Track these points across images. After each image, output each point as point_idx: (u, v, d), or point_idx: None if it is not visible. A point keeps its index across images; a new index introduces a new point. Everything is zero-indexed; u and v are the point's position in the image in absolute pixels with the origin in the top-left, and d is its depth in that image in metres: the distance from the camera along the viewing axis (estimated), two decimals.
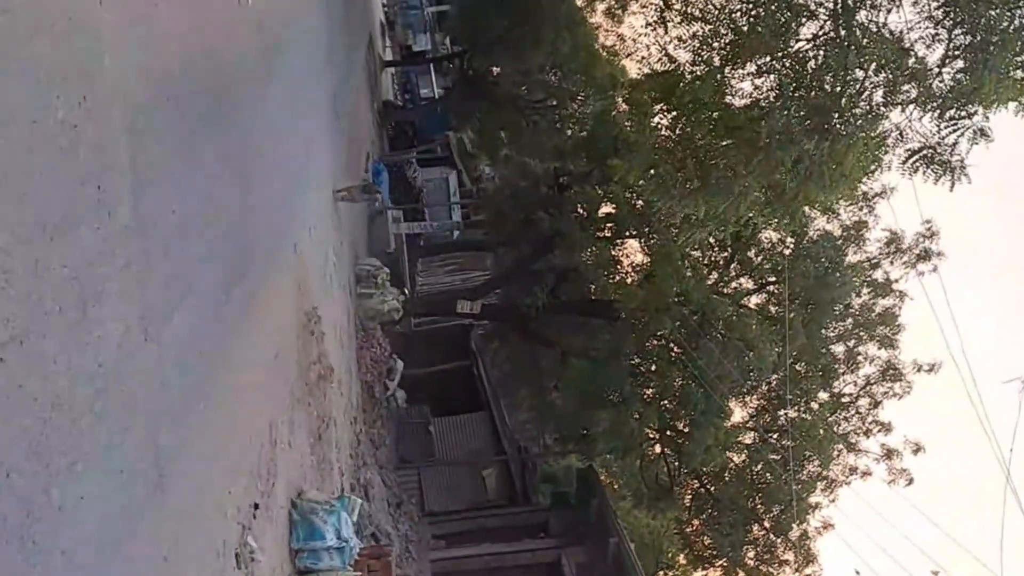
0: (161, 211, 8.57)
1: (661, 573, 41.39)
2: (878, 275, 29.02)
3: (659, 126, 19.90)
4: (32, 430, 5.85)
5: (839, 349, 29.67)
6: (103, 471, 6.94)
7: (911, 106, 15.37)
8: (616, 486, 40.82)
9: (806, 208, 17.35)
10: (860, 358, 29.71)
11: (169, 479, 8.42)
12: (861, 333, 29.31)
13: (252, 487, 12.27)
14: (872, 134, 15.46)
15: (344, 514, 15.61)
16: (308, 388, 17.24)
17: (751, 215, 18.26)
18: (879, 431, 29.66)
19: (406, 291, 34.54)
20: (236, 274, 11.41)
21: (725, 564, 32.18)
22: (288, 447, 14.90)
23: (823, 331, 29.05)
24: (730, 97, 17.21)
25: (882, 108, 15.48)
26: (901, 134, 15.84)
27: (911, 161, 15.91)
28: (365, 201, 18.55)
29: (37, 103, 6.20)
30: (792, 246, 27.60)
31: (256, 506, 12.32)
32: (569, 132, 40.32)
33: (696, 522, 33.15)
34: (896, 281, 28.84)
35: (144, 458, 7.85)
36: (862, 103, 15.43)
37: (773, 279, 29.36)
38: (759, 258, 29.53)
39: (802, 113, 15.52)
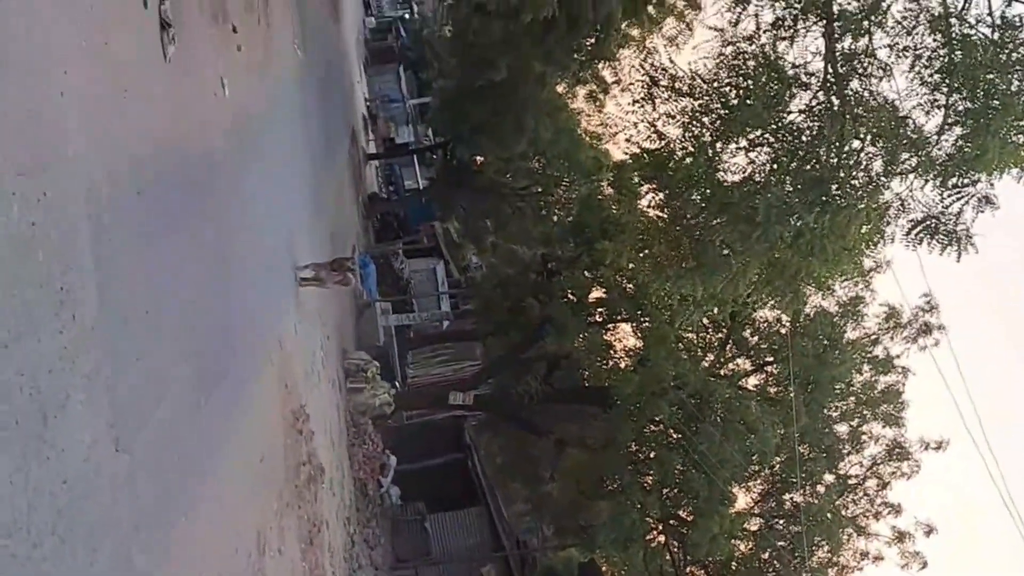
0: (132, 311, 8.04)
1: None
2: (879, 351, 28.58)
3: (649, 206, 19.56)
4: None
5: (842, 429, 29.16)
6: None
7: (912, 175, 14.99)
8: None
9: (808, 284, 16.89)
10: (865, 437, 29.18)
11: None
12: (864, 411, 28.80)
13: None
14: (873, 205, 15.05)
15: None
16: (297, 491, 16.60)
17: (751, 293, 17.82)
18: (889, 513, 29.06)
19: (397, 384, 34.00)
20: (216, 374, 10.84)
21: None
22: (278, 555, 14.25)
23: (825, 411, 28.56)
24: (723, 173, 16.84)
25: (882, 178, 15.10)
26: (903, 204, 15.46)
27: (915, 232, 15.51)
28: (336, 283, 18.06)
29: None
30: (789, 325, 27.16)
31: None
32: (555, 218, 40.15)
33: None
34: (897, 357, 28.40)
35: None
36: (861, 173, 15.06)
37: (771, 359, 28.95)
38: (755, 338, 29.11)
39: (800, 186, 15.14)
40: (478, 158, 43.27)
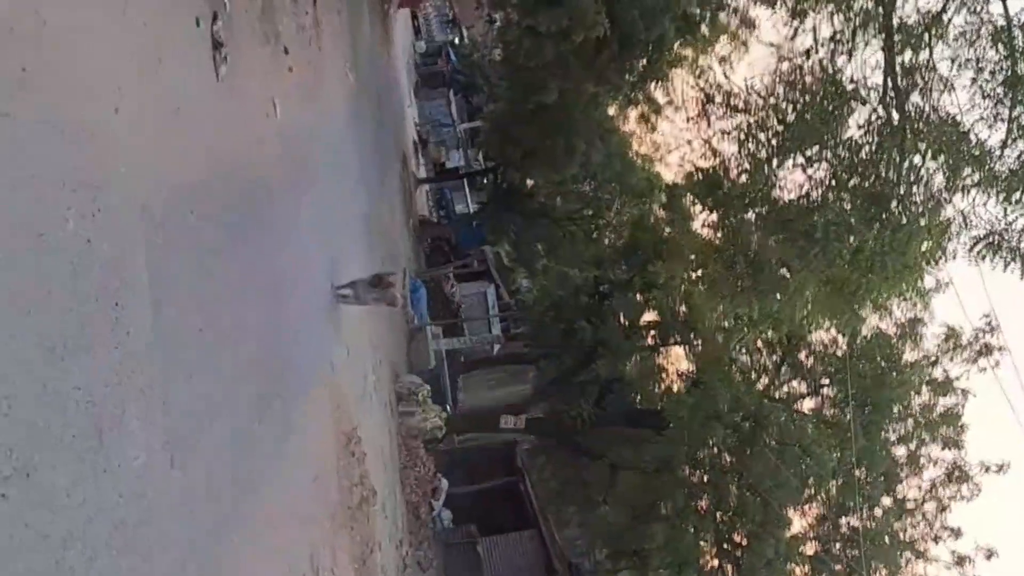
0: (186, 329, 7.99)
1: None
2: (937, 373, 28.15)
3: (703, 226, 19.39)
4: (42, 573, 5.18)
5: (901, 451, 28.72)
6: None
7: (974, 190, 14.71)
8: None
9: (867, 304, 16.61)
10: (923, 460, 28.72)
11: None
12: (923, 434, 28.34)
13: None
14: (935, 221, 14.78)
15: None
16: (350, 512, 16.52)
17: (808, 313, 17.56)
18: (948, 536, 28.60)
19: (448, 408, 33.92)
20: (270, 395, 10.77)
21: None
22: (331, 575, 14.17)
23: (883, 433, 28.14)
24: (779, 190, 16.63)
25: (944, 194, 14.83)
26: (965, 220, 15.16)
27: (977, 248, 15.21)
28: (375, 301, 16.73)
29: (45, 215, 5.67)
30: (846, 346, 26.83)
31: None
32: (607, 240, 40.00)
33: None
34: (957, 378, 27.95)
35: None
36: (922, 189, 14.80)
37: (827, 381, 28.60)
38: (811, 360, 28.77)
39: (859, 202, 14.90)
40: (529, 181, 43.25)
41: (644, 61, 27.56)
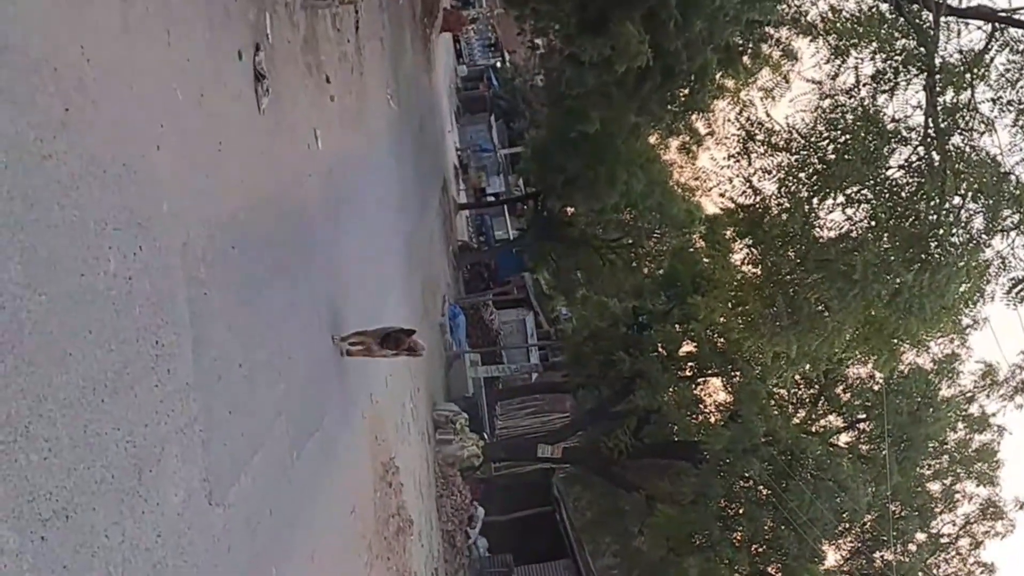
0: (226, 365, 8.06)
1: None
2: (974, 409, 27.97)
3: (743, 261, 19.33)
4: None
5: (935, 487, 28.55)
6: None
7: (1014, 232, 14.62)
8: None
9: (904, 343, 16.51)
10: (958, 496, 28.54)
11: None
12: (958, 470, 28.16)
13: None
14: (973, 263, 14.69)
15: None
16: (387, 542, 16.55)
17: (846, 351, 17.47)
18: (982, 573, 28.40)
19: (485, 436, 33.92)
20: (308, 428, 10.85)
21: None
22: None
23: (918, 468, 27.97)
24: (819, 229, 16.57)
25: (983, 235, 14.74)
26: (1004, 262, 15.07)
27: (1016, 291, 15.11)
28: (389, 355, 13.57)
29: (86, 255, 5.74)
30: (882, 382, 26.67)
31: None
32: (646, 270, 39.93)
33: None
34: (993, 415, 27.77)
35: None
36: (961, 231, 14.72)
37: (863, 416, 28.46)
38: (848, 394, 28.63)
39: (898, 243, 14.83)
40: (569, 209, 43.25)
41: (686, 91, 27.53)
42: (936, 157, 14.99)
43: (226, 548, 7.73)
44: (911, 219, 14.97)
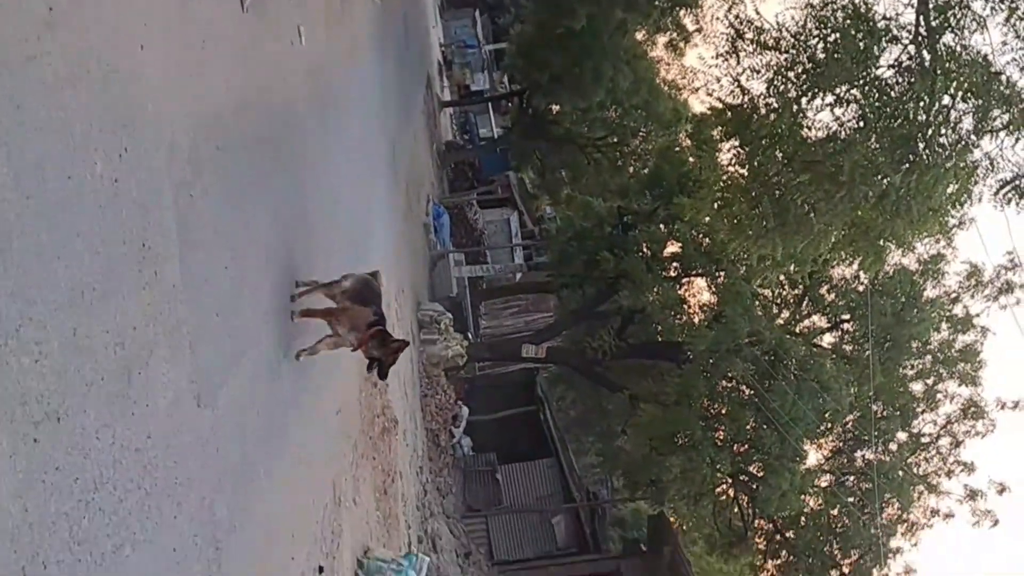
0: (212, 268, 8.02)
1: None
2: (958, 310, 28.15)
3: (730, 163, 19.21)
4: (72, 515, 5.28)
5: (918, 387, 28.84)
6: (154, 552, 6.37)
7: (1002, 132, 14.53)
8: (686, 527, 40.05)
9: (890, 244, 16.49)
10: (940, 396, 28.86)
11: (227, 552, 7.85)
12: (941, 370, 28.42)
13: (316, 550, 11.72)
14: (962, 164, 14.63)
15: (412, 573, 15.06)
16: (372, 442, 16.70)
17: (832, 254, 17.46)
18: (961, 471, 28.82)
19: (469, 336, 34.09)
20: (295, 331, 10.84)
21: None
22: (353, 505, 14.36)
23: (901, 369, 28.22)
24: (807, 130, 16.44)
25: (972, 136, 14.65)
26: (992, 163, 14.99)
27: (1003, 192, 15.08)
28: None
29: (72, 157, 5.67)
30: (867, 282, 26.77)
31: (321, 569, 11.77)
32: (632, 170, 39.83)
33: (771, 568, 32.37)
34: (977, 316, 27.96)
35: (200, 533, 7.28)
36: (950, 131, 14.62)
37: (847, 317, 28.62)
38: (832, 295, 28.76)
39: (886, 144, 14.74)
40: (554, 107, 42.97)
41: None
42: (927, 56, 14.83)
43: (215, 449, 7.77)
44: (900, 119, 14.84)
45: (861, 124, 15.42)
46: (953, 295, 28.17)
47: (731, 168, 19.46)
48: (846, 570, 29.62)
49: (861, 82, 15.30)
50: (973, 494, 28.01)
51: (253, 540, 8.80)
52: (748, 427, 27.03)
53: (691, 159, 29.39)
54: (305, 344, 10.67)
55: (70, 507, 5.26)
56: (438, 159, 44.46)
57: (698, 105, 37.01)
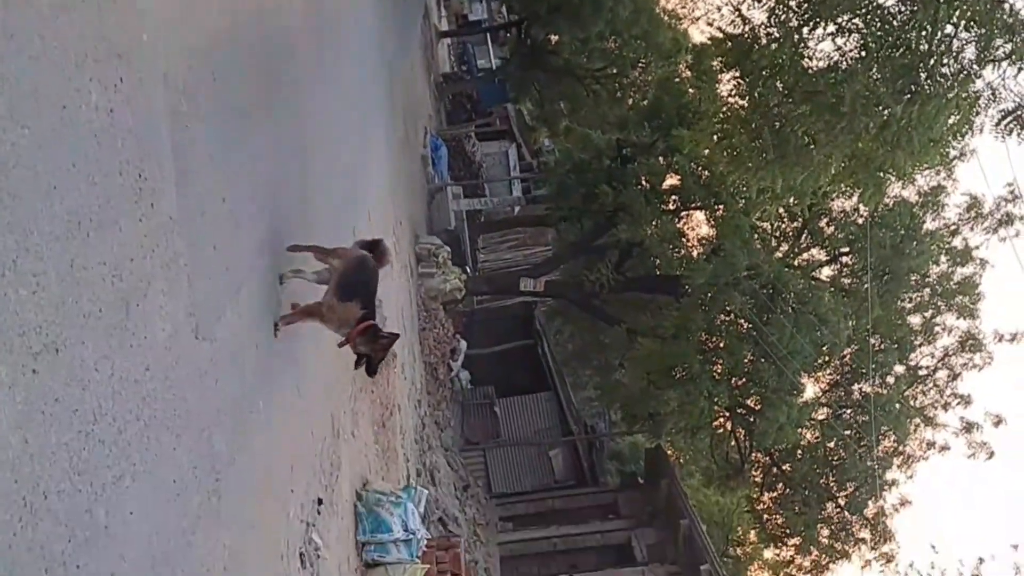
0: (209, 200, 7.96)
1: (732, 551, 40.75)
2: (957, 242, 28.15)
3: (729, 94, 19.10)
4: (72, 446, 5.26)
5: (916, 320, 28.94)
6: (153, 483, 6.36)
7: (1005, 62, 14.42)
8: (683, 460, 40.40)
9: (891, 176, 16.42)
10: (938, 329, 28.97)
11: (226, 484, 7.86)
12: (939, 303, 28.51)
13: (315, 483, 11.78)
14: (963, 94, 14.53)
15: (410, 505, 15.14)
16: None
17: (832, 186, 17.42)
18: (958, 404, 29.02)
19: (467, 269, 34.07)
20: (292, 263, 10.80)
21: (798, 542, 31.72)
22: (351, 438, 14.42)
23: (899, 302, 28.29)
24: (808, 60, 16.32)
25: (974, 66, 14.53)
26: (994, 94, 14.88)
27: (1005, 123, 14.98)
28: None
29: (67, 87, 5.58)
30: (866, 215, 26.74)
31: (320, 502, 11.83)
32: (631, 101, 39.58)
33: (767, 500, 32.71)
34: (976, 248, 27.97)
35: (198, 465, 7.28)
36: (952, 61, 14.50)
37: (846, 250, 28.63)
38: (831, 228, 28.73)
39: (888, 74, 14.63)
40: (553, 37, 42.61)
41: None
42: None
43: (213, 381, 7.76)
44: (902, 49, 14.70)
45: (862, 54, 15.29)
46: (952, 227, 28.17)
47: (731, 99, 19.37)
48: (842, 502, 29.92)
49: (863, 11, 15.16)
50: (969, 427, 28.24)
51: (252, 472, 8.82)
52: (746, 360, 27.12)
53: (691, 90, 29.18)
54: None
55: (70, 438, 5.23)
56: (436, 91, 44.18)
57: (698, 35, 36.79)
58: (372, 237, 11.82)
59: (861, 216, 27.34)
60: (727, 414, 29.28)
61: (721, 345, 27.95)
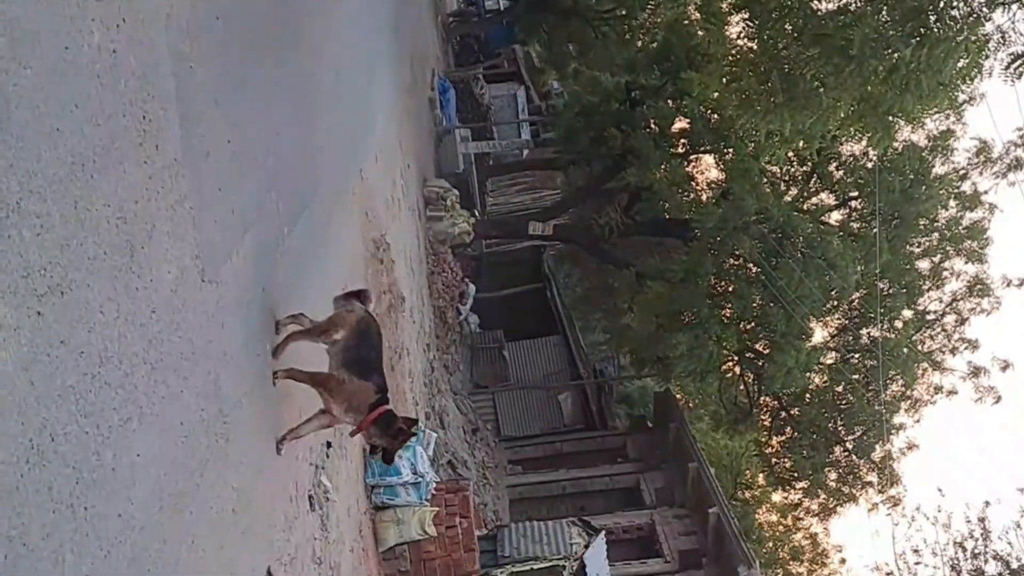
0: (214, 142, 7.95)
1: (740, 495, 41.03)
2: (966, 187, 28.03)
3: (739, 36, 18.98)
4: (79, 388, 5.30)
5: (924, 265, 28.86)
6: (161, 426, 6.41)
7: (1015, 5, 14.28)
8: (692, 404, 40.54)
9: (900, 119, 16.34)
10: (946, 274, 28.92)
11: (234, 426, 7.93)
12: (947, 248, 28.41)
13: None
14: (973, 38, 14.41)
15: (419, 448, 15.23)
16: (379, 318, 16.73)
17: (841, 130, 17.32)
18: (965, 348, 29.03)
19: (476, 213, 34.00)
20: (299, 205, 10.81)
21: (806, 486, 31.87)
22: None
23: (908, 246, 28.20)
24: (818, 2, 16.19)
25: (984, 8, 14.40)
26: (1003, 36, 14.75)
27: (1015, 66, 14.87)
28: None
29: (69, 27, 5.57)
30: (876, 159, 26.59)
31: (328, 444, 11.89)
32: (640, 43, 39.21)
33: (776, 444, 32.83)
34: (985, 193, 27.86)
35: (206, 408, 7.33)
36: (961, 4, 14.38)
37: (855, 194, 28.50)
38: (840, 172, 28.60)
39: (897, 17, 14.50)
40: None
41: None
42: None
43: (220, 325, 7.79)
44: None
45: None
46: (961, 172, 28.02)
47: (740, 42, 19.25)
48: (849, 446, 30.03)
49: None
50: (976, 371, 28.26)
51: (260, 415, 8.88)
52: (755, 305, 27.13)
53: (700, 33, 28.91)
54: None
55: (76, 380, 5.26)
56: (443, 32, 43.87)
57: None
58: (354, 288, 10.96)
59: (870, 160, 27.16)
60: (736, 358, 29.32)
61: (730, 289, 27.94)
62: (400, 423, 9.41)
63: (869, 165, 27.22)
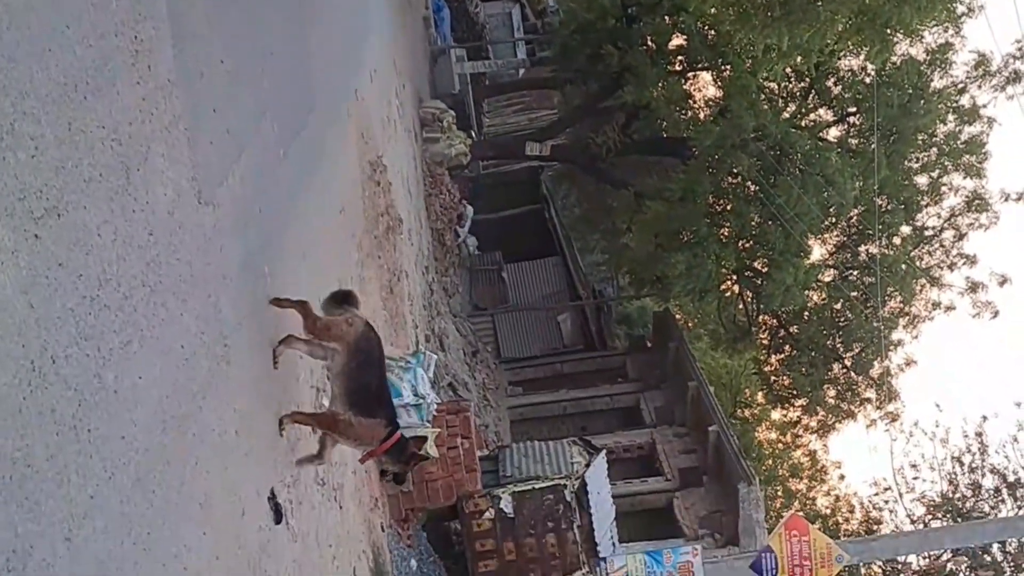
0: (208, 62, 7.86)
1: (739, 413, 41.30)
2: (964, 101, 27.85)
3: None
4: (78, 311, 5.28)
5: (922, 180, 28.79)
6: (161, 348, 6.39)
7: None
8: (691, 323, 40.66)
9: (898, 32, 16.20)
10: (944, 189, 28.86)
11: (235, 349, 7.91)
12: (946, 162, 28.30)
13: None
14: None
15: (420, 370, 15.23)
16: (377, 241, 16.73)
17: (838, 43, 17.18)
18: (964, 264, 29.08)
19: (473, 134, 33.81)
20: (295, 126, 10.73)
21: (805, 403, 32.10)
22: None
23: (906, 162, 28.10)
24: None
25: None
26: None
27: None
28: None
29: None
30: (874, 73, 26.40)
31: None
32: None
33: (775, 362, 33.00)
34: (984, 106, 27.70)
35: (206, 331, 7.31)
36: None
37: (853, 109, 28.35)
38: (838, 88, 28.40)
39: None
40: None
41: None
42: None
43: (218, 247, 7.75)
44: None
45: None
46: (960, 86, 27.84)
47: None
48: (848, 363, 30.19)
49: None
50: (974, 286, 28.36)
51: (260, 338, 8.87)
52: (753, 223, 27.13)
53: None
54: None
55: (75, 303, 5.24)
56: None
57: None
58: (340, 289, 10.54)
59: (868, 75, 26.98)
60: (734, 277, 29.38)
61: (728, 207, 27.91)
62: (412, 448, 9.28)
63: (867, 80, 27.03)
